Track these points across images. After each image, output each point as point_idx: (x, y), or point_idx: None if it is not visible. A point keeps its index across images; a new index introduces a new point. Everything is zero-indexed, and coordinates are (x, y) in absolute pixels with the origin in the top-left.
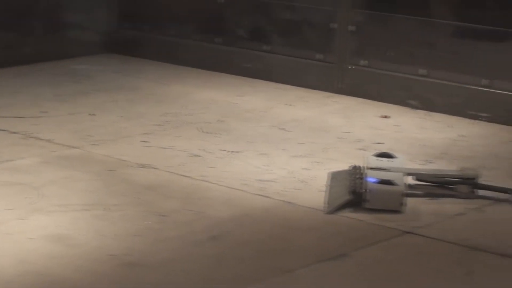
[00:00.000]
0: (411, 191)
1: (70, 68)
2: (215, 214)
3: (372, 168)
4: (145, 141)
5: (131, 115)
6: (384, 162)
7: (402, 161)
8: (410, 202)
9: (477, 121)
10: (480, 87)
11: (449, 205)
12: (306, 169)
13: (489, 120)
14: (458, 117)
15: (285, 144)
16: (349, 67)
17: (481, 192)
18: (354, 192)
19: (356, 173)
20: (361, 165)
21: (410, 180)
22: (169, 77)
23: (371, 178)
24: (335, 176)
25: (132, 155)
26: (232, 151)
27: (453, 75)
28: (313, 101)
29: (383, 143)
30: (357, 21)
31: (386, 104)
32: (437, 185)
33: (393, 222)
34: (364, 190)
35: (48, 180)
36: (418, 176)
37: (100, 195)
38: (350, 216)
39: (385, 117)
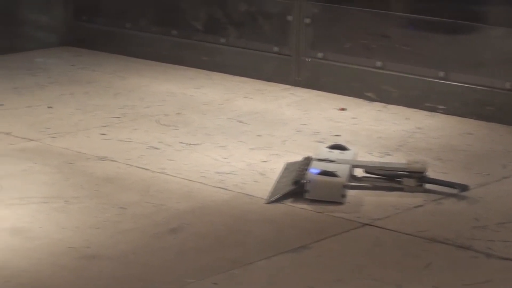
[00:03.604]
0: (357, 183)
1: (27, 61)
2: (175, 206)
3: (320, 160)
4: (103, 134)
5: (88, 108)
6: (333, 154)
7: (354, 154)
8: (370, 194)
9: (433, 113)
10: (437, 79)
11: (407, 198)
12: (264, 161)
13: (446, 112)
14: (415, 109)
15: (243, 137)
16: (306, 60)
17: (428, 187)
18: (297, 183)
19: (304, 164)
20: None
21: (361, 172)
22: (125, 70)
23: (314, 169)
24: (287, 167)
25: (90, 148)
26: (190, 144)
27: (410, 68)
28: (270, 94)
29: (340, 135)
30: (313, 13)
31: (343, 96)
32: (385, 178)
33: (352, 214)
34: (305, 181)
35: (6, 173)
36: (367, 168)
37: (59, 187)
38: (308, 208)
39: (342, 109)
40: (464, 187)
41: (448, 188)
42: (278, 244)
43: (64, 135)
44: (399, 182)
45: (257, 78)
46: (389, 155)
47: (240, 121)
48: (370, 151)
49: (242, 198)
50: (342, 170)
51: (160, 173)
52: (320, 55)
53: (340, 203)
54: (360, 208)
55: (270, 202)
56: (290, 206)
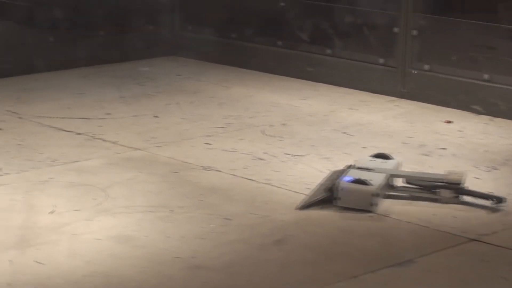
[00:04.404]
0: (394, 193)
1: (134, 70)
2: (279, 217)
3: (358, 168)
4: (208, 144)
5: (193, 117)
6: (373, 163)
7: (396, 163)
8: (477, 210)
9: None
10: None
11: None
12: None
13: None
14: None
15: (348, 149)
16: (412, 72)
17: (465, 198)
18: (329, 190)
19: (343, 172)
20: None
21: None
22: (230, 80)
23: (347, 177)
24: (331, 175)
25: (195, 157)
26: (295, 155)
27: None
28: (375, 105)
29: (445, 149)
30: (419, 25)
31: (449, 109)
32: (423, 189)
33: (459, 229)
34: (336, 188)
35: (113, 182)
36: (405, 178)
37: (165, 197)
38: (414, 222)
39: (448, 122)
40: (500, 199)
41: (484, 200)
42: (383, 257)
43: (169, 145)
44: (436, 193)
45: (362, 90)
46: (496, 169)
47: (345, 133)
48: (476, 165)
49: (345, 210)
50: (376, 179)
51: (265, 184)
52: (426, 67)
53: (370, 212)
54: (466, 224)
55: (301, 208)
56: (396, 220)
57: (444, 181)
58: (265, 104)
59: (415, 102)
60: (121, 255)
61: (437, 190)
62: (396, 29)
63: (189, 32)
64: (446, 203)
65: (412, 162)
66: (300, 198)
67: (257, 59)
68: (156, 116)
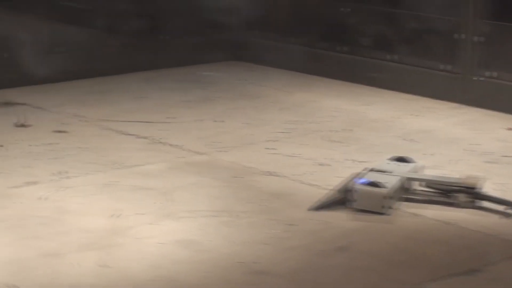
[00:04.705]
0: (410, 196)
1: (197, 74)
2: (342, 224)
3: (376, 170)
4: (270, 148)
5: (256, 122)
6: (391, 166)
7: (416, 167)
8: None
9: None
10: None
11: None
12: None
13: None
14: None
15: (412, 155)
16: (475, 78)
17: (481, 203)
18: (343, 192)
19: (359, 175)
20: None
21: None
22: (293, 85)
23: (361, 179)
24: (349, 177)
25: (258, 162)
26: (360, 161)
27: None
28: (439, 112)
29: (510, 156)
30: (483, 32)
31: None
32: (439, 193)
33: None
34: (350, 190)
35: (176, 186)
36: (422, 182)
37: (228, 201)
38: (480, 230)
39: (511, 129)
40: None
41: (500, 205)
42: (449, 265)
43: (232, 149)
44: (452, 197)
45: (425, 96)
46: None
47: (409, 139)
48: None
49: (409, 217)
50: (390, 182)
51: (328, 189)
52: (489, 73)
53: (382, 214)
54: None
55: (314, 209)
56: (460, 227)
57: (461, 185)
58: (329, 110)
59: (479, 109)
60: (185, 260)
61: (454, 194)
62: (459, 35)
63: (252, 37)
64: (462, 207)
65: (476, 170)
66: None
67: (321, 65)
68: (219, 121)
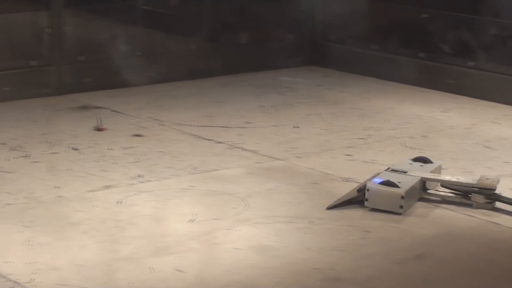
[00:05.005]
0: (427, 197)
1: (274, 79)
2: (419, 231)
3: (393, 170)
4: (348, 155)
5: (334, 128)
6: (408, 166)
7: (434, 167)
8: None
9: None
10: None
11: None
12: (510, 189)
13: None
14: None
15: (490, 163)
16: None
17: (498, 204)
18: (360, 191)
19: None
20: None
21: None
22: (371, 91)
23: (377, 179)
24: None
25: (335, 168)
26: None
27: None
28: None
29: None
30: None
31: None
32: (457, 194)
33: None
34: (366, 190)
35: (253, 191)
36: (440, 182)
37: (304, 208)
38: None
39: None
40: None
41: None
42: None
43: (309, 155)
44: (469, 198)
45: (505, 103)
46: None
47: (487, 147)
48: None
49: (488, 225)
50: (407, 181)
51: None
52: None
53: (397, 214)
54: None
55: (330, 207)
56: None
57: (478, 186)
58: (406, 116)
59: None
60: (260, 265)
61: (471, 195)
62: None
63: (330, 42)
64: (479, 208)
65: None
66: (441, 213)
67: (399, 71)
68: (297, 127)
